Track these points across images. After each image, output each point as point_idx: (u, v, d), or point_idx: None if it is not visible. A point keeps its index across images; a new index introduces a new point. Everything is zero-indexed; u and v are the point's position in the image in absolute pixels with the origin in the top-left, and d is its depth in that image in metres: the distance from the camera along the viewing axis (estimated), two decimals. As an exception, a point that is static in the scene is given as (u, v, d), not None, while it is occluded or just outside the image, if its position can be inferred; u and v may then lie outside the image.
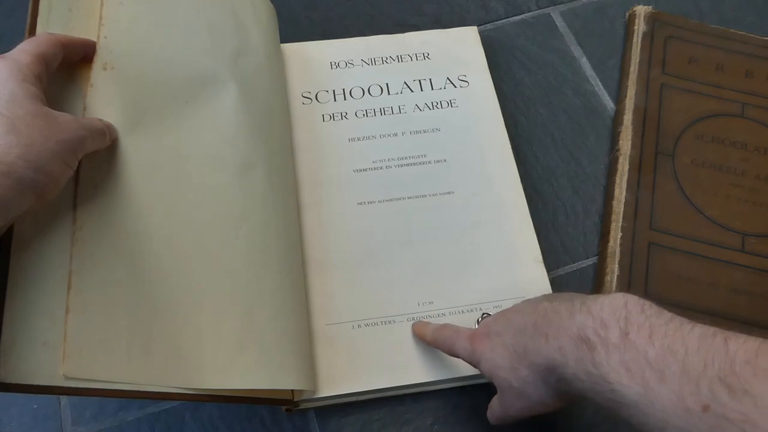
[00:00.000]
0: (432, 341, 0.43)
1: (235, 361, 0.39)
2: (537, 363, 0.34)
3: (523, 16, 0.64)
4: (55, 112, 0.35)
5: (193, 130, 0.44)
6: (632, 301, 0.31)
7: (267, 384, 0.40)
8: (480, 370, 0.39)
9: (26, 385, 0.34)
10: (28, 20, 0.41)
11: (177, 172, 0.42)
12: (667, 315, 0.30)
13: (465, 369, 0.45)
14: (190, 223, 0.42)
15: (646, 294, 0.48)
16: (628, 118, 0.56)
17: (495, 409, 0.40)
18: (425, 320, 0.46)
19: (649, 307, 0.31)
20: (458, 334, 0.41)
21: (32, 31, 0.41)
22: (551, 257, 0.51)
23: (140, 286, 0.39)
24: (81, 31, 0.42)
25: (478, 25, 0.61)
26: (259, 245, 0.43)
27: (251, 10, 0.52)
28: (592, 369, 0.30)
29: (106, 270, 0.38)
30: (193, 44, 0.47)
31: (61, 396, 0.45)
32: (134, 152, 0.41)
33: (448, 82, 0.57)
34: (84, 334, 0.36)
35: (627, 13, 0.63)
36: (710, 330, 0.28)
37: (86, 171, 0.39)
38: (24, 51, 0.36)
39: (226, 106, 0.46)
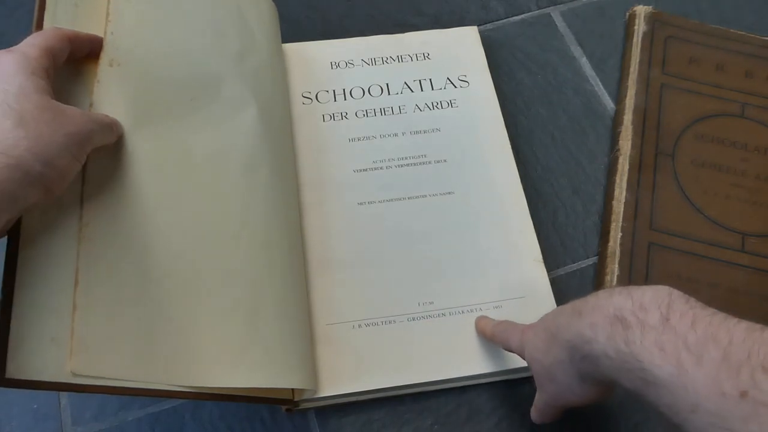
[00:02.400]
0: (491, 336, 0.44)
1: (239, 360, 0.39)
2: (566, 339, 0.34)
3: (523, 16, 0.64)
4: (64, 106, 0.35)
5: (198, 129, 0.44)
6: (677, 292, 0.31)
7: (269, 383, 0.40)
8: (525, 360, 0.39)
9: (34, 381, 0.34)
10: (36, 14, 0.41)
11: (182, 170, 0.42)
12: (711, 309, 0.30)
13: (465, 369, 0.45)
14: (195, 221, 0.42)
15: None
16: (628, 118, 0.56)
17: (535, 400, 0.40)
18: (486, 315, 0.46)
19: (695, 301, 0.30)
20: (514, 328, 0.41)
21: (39, 26, 0.41)
22: (551, 257, 0.51)
23: (146, 283, 0.39)
24: (87, 26, 0.42)
25: (478, 25, 0.61)
26: (262, 245, 0.43)
27: (255, 10, 0.52)
28: (623, 347, 0.30)
29: (112, 267, 0.38)
30: (199, 42, 0.47)
31: (61, 396, 0.45)
32: (140, 149, 0.41)
33: (448, 82, 0.57)
34: (91, 331, 0.36)
35: (627, 13, 0.63)
36: (757, 325, 0.28)
37: (93, 168, 0.39)
38: (32, 44, 0.36)
39: (231, 105, 0.46)
